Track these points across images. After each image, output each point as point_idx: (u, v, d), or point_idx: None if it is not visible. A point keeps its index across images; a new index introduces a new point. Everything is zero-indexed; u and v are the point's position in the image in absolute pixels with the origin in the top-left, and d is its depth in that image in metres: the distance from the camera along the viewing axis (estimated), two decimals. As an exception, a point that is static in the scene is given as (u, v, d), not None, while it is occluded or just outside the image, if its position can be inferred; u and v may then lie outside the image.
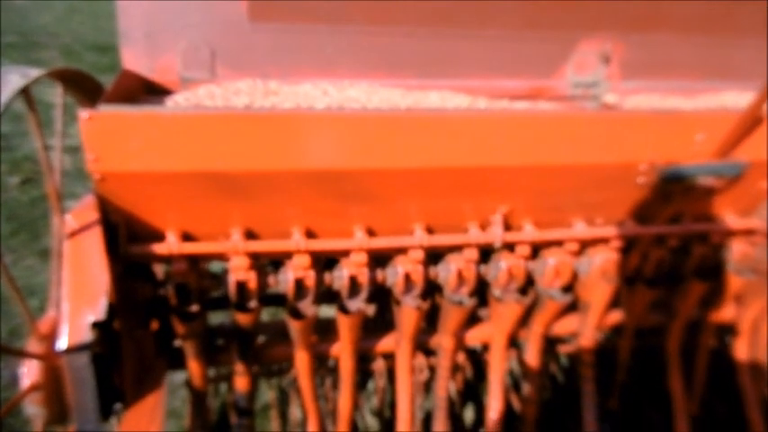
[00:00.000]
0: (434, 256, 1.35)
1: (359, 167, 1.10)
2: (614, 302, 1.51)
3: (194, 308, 1.28)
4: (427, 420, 1.94)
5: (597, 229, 1.33)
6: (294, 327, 1.30)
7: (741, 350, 1.72)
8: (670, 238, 1.41)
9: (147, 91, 1.31)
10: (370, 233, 1.23)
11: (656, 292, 1.52)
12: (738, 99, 1.53)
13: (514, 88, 1.49)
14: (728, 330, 1.74)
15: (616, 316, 1.60)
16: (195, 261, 1.21)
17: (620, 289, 1.46)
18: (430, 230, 1.26)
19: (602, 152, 1.18)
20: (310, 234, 1.21)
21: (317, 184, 1.11)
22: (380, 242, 1.22)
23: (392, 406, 2.13)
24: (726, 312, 1.66)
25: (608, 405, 1.70)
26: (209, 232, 1.17)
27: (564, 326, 1.57)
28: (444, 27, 1.41)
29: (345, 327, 1.35)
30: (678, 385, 1.67)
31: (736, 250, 1.48)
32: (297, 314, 1.29)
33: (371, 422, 2.24)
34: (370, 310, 1.33)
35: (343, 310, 1.32)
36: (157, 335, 1.35)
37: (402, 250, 1.28)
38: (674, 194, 1.26)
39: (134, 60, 1.30)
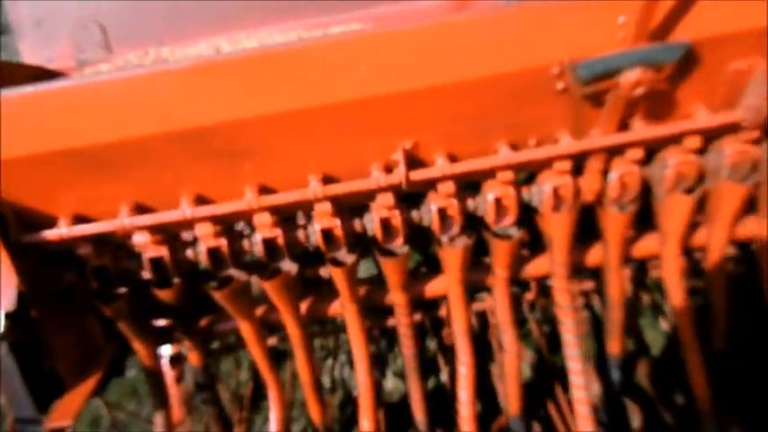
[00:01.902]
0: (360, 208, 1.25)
1: (227, 119, 1.02)
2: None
3: (122, 290, 1.28)
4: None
5: (527, 152, 1.14)
6: (218, 298, 1.26)
7: None
8: (629, 149, 1.19)
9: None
10: (266, 191, 1.15)
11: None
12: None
13: (434, 8, 1.32)
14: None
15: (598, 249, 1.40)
16: (104, 242, 1.20)
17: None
18: (330, 180, 1.15)
19: (502, 59, 1.01)
20: (203, 201, 1.15)
21: (190, 145, 1.05)
22: (274, 199, 1.13)
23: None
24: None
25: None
26: (103, 211, 1.14)
27: (535, 268, 1.40)
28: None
29: (274, 291, 1.29)
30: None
31: (730, 153, 1.22)
32: (221, 283, 1.26)
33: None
34: (294, 269, 1.26)
35: (266, 275, 1.26)
36: (102, 319, 1.37)
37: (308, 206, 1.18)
38: (605, 96, 1.05)
39: (31, 52, 1.29)
